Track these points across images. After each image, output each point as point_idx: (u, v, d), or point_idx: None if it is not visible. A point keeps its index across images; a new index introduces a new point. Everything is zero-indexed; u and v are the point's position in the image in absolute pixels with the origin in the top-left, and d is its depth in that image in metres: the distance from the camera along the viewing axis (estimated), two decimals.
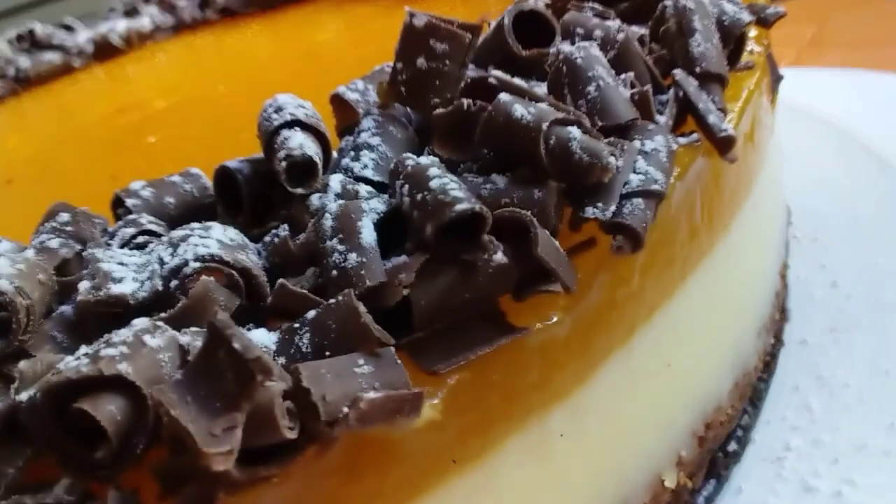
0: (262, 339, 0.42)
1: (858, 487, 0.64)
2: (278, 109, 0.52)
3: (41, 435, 0.39)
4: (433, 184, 0.44)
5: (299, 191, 0.49)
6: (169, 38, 1.33)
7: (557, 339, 0.47)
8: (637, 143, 0.49)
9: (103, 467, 0.38)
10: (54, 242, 0.50)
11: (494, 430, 0.46)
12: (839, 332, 0.79)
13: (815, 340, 0.79)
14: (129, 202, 0.56)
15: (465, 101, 0.50)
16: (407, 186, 0.45)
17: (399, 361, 0.41)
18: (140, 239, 0.50)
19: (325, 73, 1.01)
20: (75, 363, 0.39)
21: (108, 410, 0.37)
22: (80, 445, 0.38)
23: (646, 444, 0.56)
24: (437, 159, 0.46)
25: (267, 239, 0.48)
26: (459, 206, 0.42)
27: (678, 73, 0.56)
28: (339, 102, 0.63)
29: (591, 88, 0.50)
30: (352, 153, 0.52)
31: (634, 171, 0.48)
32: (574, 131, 0.46)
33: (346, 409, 0.39)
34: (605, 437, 0.52)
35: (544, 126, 0.46)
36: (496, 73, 0.49)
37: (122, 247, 0.50)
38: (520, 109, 0.46)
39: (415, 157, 0.47)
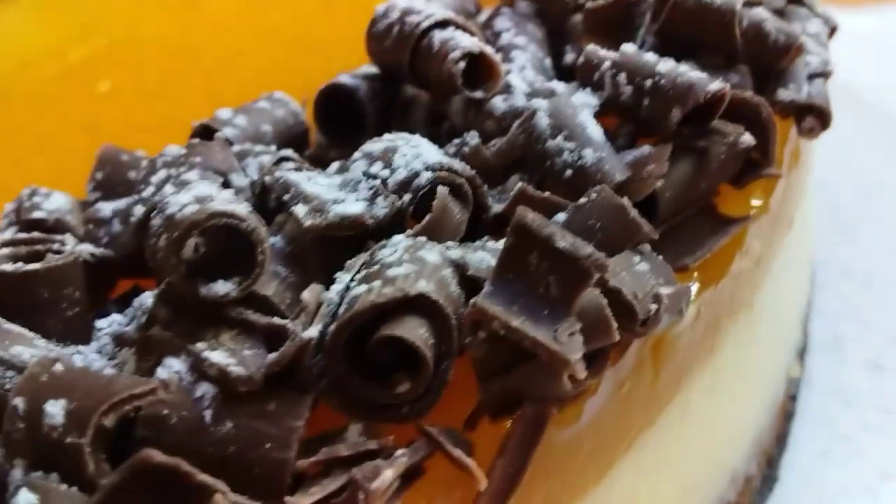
0: None
1: None
2: (408, 12, 0.47)
3: (332, 375, 0.33)
4: (661, 68, 0.41)
5: (478, 94, 0.44)
6: None
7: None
8: (798, 26, 0.49)
9: (405, 403, 0.33)
10: (193, 175, 0.42)
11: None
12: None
13: None
14: (228, 132, 0.48)
15: None
16: (624, 75, 0.42)
17: (660, 256, 0.39)
18: (289, 165, 0.44)
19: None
20: (360, 289, 0.33)
21: (420, 335, 0.32)
22: (378, 382, 0.33)
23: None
24: (635, 46, 0.43)
25: (451, 150, 0.43)
26: (712, 86, 0.39)
27: None
28: None
29: None
30: (499, 55, 0.48)
31: (808, 53, 0.47)
32: (763, 12, 0.45)
33: (653, 307, 0.36)
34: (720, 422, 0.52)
35: (738, 7, 0.44)
36: None
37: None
38: None
39: (598, 47, 0.44)
